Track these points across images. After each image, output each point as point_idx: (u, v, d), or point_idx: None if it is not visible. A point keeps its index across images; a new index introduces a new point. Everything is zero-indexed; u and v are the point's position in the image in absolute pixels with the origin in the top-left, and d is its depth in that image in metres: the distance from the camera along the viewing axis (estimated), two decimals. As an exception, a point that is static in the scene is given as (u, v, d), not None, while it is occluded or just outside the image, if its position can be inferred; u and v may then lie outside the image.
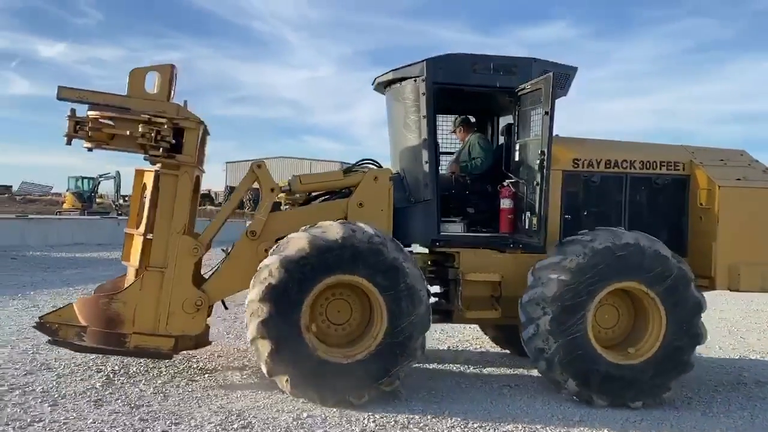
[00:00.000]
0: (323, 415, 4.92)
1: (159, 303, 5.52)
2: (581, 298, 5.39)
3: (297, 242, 5.15)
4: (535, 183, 5.79)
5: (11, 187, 47.17)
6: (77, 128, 5.43)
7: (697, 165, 6.26)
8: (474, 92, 6.31)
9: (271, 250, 5.28)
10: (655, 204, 6.35)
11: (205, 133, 6.17)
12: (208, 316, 6.02)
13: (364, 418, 4.90)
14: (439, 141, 6.96)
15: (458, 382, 6.16)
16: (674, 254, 5.60)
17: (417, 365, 6.69)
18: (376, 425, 4.80)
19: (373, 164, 6.38)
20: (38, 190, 50.50)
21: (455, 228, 6.28)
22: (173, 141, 5.54)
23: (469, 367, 6.81)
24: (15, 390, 5.26)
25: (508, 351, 7.47)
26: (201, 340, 6.02)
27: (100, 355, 6.13)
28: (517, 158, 6.24)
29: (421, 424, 4.87)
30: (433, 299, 6.32)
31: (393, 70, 6.29)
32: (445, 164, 7.07)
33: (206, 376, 5.99)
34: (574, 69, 6.31)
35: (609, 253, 5.42)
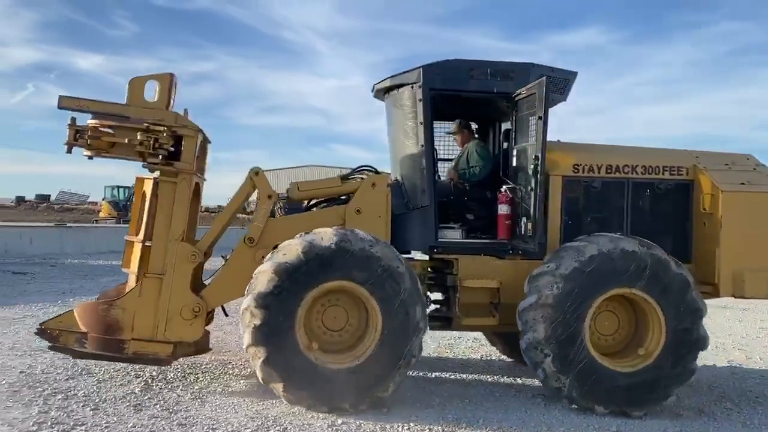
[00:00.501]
0: (357, 422, 4.96)
1: (157, 309, 5.56)
2: (572, 326, 5.33)
3: (264, 275, 5.13)
4: (529, 188, 5.75)
5: (49, 196, 48.17)
6: (77, 137, 5.52)
7: (701, 169, 6.14)
8: (473, 98, 6.28)
9: (246, 290, 5.27)
10: (658, 210, 6.24)
11: (206, 141, 6.25)
12: (209, 323, 6.08)
13: (398, 425, 4.93)
14: (440, 148, 6.96)
15: (492, 391, 6.14)
16: (641, 241, 5.53)
17: (450, 374, 6.72)
18: (410, 432, 4.81)
19: (371, 171, 6.38)
20: (75, 199, 51.52)
21: (453, 234, 6.24)
22: (172, 149, 5.60)
23: (502, 377, 6.76)
24: (58, 394, 5.42)
25: (512, 360, 7.35)
26: (201, 346, 6.05)
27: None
28: (514, 164, 6.19)
29: (455, 433, 4.87)
30: (433, 306, 6.35)
31: (390, 76, 6.30)
32: (444, 170, 7.06)
33: (242, 382, 6.08)
34: (574, 74, 6.24)
35: (579, 273, 5.35)
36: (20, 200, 43.07)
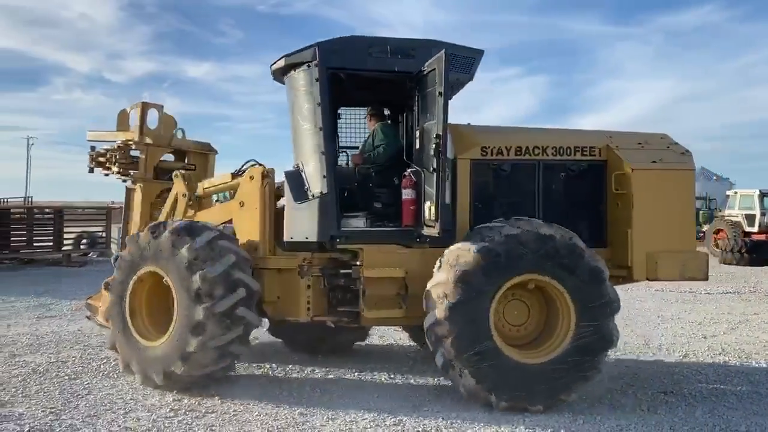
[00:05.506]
0: (472, 417, 5.01)
1: None
2: (476, 313, 5.02)
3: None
4: (431, 169, 5.39)
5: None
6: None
7: (613, 149, 5.91)
8: (376, 79, 5.96)
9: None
10: (571, 192, 6.00)
11: (209, 152, 7.64)
12: None
13: (516, 420, 4.94)
14: (349, 135, 6.79)
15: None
16: (505, 231, 5.19)
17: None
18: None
19: (256, 164, 6.24)
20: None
21: (357, 223, 5.88)
22: (134, 160, 6.99)
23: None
24: (188, 383, 5.87)
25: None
26: None
27: (260, 355, 6.87)
28: (417, 145, 5.82)
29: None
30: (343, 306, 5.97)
31: (285, 55, 5.91)
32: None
33: (356, 374, 6.36)
34: (480, 52, 5.97)
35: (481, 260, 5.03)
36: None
